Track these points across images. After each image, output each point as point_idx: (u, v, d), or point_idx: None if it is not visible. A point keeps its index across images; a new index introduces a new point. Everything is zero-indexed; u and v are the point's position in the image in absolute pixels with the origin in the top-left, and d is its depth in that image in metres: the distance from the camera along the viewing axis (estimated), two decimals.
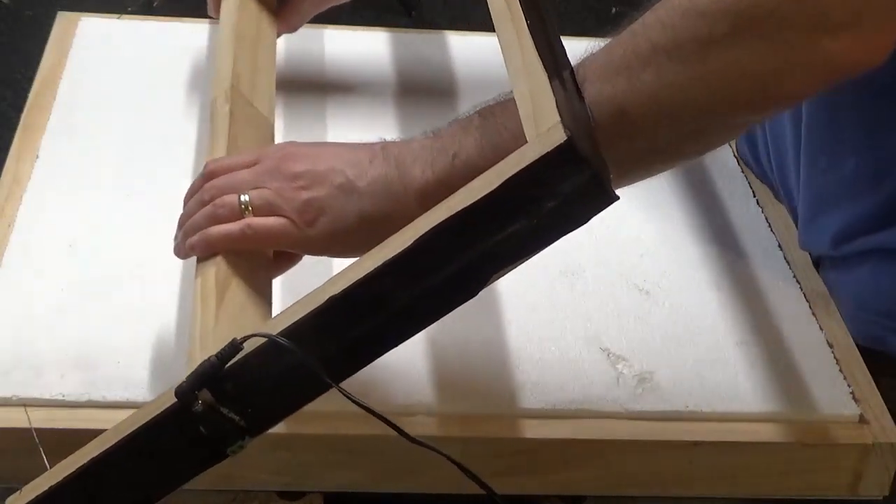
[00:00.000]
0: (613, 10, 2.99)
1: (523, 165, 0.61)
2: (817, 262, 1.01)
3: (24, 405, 0.82)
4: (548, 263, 0.98)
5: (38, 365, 0.84)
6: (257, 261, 0.81)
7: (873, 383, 0.90)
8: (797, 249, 1.02)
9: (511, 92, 0.72)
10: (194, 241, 0.80)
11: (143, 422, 0.67)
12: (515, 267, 0.65)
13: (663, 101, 0.69)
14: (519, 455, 0.85)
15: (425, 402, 0.85)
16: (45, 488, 0.70)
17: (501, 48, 0.73)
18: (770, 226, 1.05)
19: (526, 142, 0.64)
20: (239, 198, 0.79)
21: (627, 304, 0.95)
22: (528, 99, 0.66)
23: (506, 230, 0.63)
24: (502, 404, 0.86)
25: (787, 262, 1.01)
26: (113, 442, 0.68)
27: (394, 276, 0.64)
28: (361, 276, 0.64)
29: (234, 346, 0.65)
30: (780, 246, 1.03)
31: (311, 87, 1.17)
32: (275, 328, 0.65)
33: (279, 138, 0.96)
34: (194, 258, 0.81)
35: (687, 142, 0.73)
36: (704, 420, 0.87)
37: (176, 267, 0.93)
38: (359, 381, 0.69)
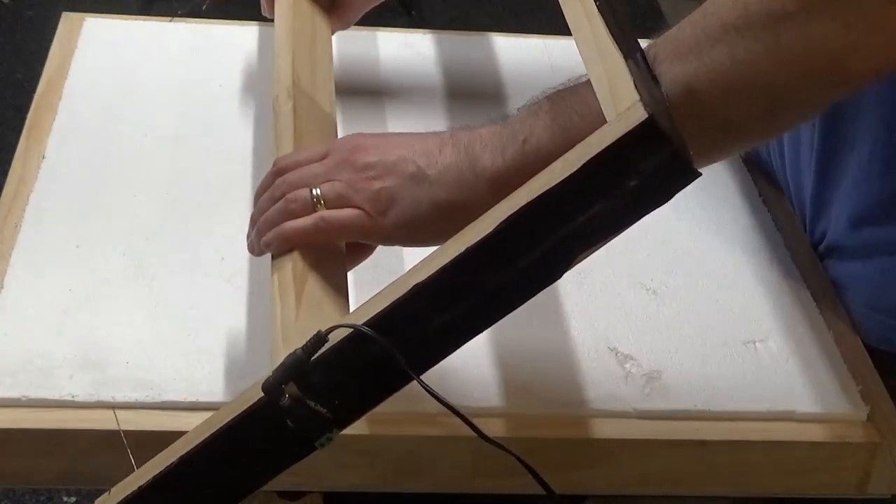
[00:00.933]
0: None
1: (605, 145, 0.61)
2: (825, 255, 1.01)
3: (34, 406, 0.82)
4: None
5: (47, 366, 0.84)
6: (332, 254, 0.81)
7: (881, 382, 0.91)
8: (804, 249, 1.02)
9: (579, 77, 0.73)
10: (269, 238, 0.80)
11: (231, 418, 0.67)
12: (600, 247, 0.65)
13: (734, 78, 0.68)
14: (526, 455, 0.85)
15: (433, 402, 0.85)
16: (134, 488, 0.70)
17: (571, 29, 0.73)
18: (777, 225, 1.05)
19: (599, 123, 0.64)
20: (311, 191, 0.79)
21: (635, 303, 0.95)
22: (605, 79, 0.67)
23: (589, 211, 0.62)
24: (510, 404, 0.86)
25: (794, 261, 1.01)
26: (201, 439, 0.68)
27: (478, 261, 0.64)
28: (445, 262, 0.64)
29: (320, 339, 0.65)
30: (786, 245, 1.03)
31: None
32: (359, 319, 0.65)
33: None
34: (244, 256, 0.81)
35: (758, 121, 0.72)
36: (712, 419, 0.87)
37: (184, 266, 0.93)
38: None
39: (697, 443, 0.85)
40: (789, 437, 0.87)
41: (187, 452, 0.68)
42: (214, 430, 0.68)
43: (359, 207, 0.78)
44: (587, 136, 0.64)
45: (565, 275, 0.96)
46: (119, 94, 1.12)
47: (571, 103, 0.75)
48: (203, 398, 0.83)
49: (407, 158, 0.78)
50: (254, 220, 0.83)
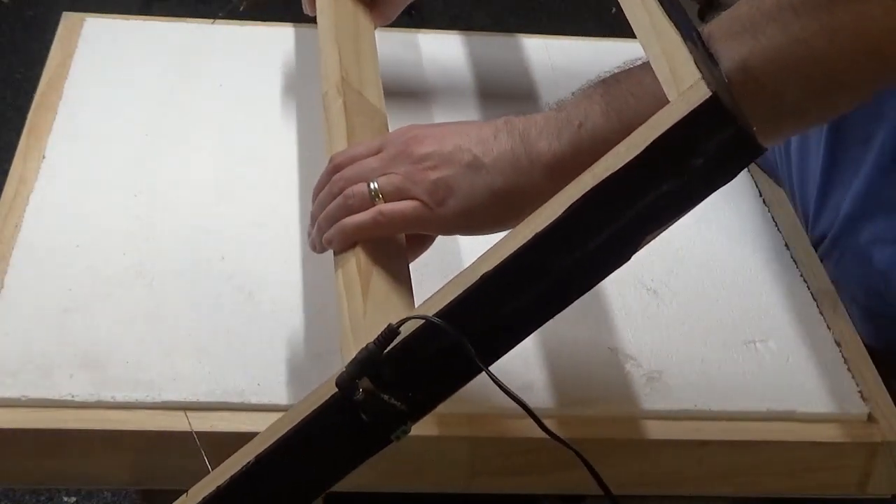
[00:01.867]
0: (613, 9, 2.98)
1: (669, 125, 0.61)
2: (825, 255, 1.01)
3: (34, 405, 0.82)
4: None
5: (47, 365, 0.84)
6: (393, 247, 0.82)
7: (881, 382, 0.90)
8: (804, 248, 1.02)
9: (633, 61, 0.74)
10: (330, 235, 0.81)
11: (306, 414, 0.68)
12: (667, 227, 0.65)
13: (789, 57, 0.68)
14: (527, 454, 0.85)
15: None
16: (212, 489, 0.70)
17: (625, 11, 0.74)
18: (777, 225, 1.05)
19: (654, 104, 0.65)
20: (368, 185, 0.79)
21: (635, 303, 0.95)
22: (664, 59, 0.66)
23: (655, 192, 0.62)
24: (510, 404, 0.86)
25: (794, 260, 1.01)
26: (276, 437, 0.68)
27: (547, 247, 0.64)
28: (513, 250, 0.64)
29: (391, 332, 0.65)
30: (786, 245, 1.03)
31: (311, 88, 1.17)
32: (429, 310, 0.65)
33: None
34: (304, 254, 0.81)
35: (813, 102, 0.72)
36: (713, 419, 0.87)
37: (183, 266, 0.93)
38: None
39: (698, 443, 0.85)
40: (789, 437, 0.86)
41: (264, 451, 0.69)
42: (290, 427, 0.68)
43: (417, 199, 0.78)
44: (643, 117, 0.64)
45: None
46: (119, 94, 1.12)
47: (627, 86, 0.75)
48: (203, 398, 0.83)
49: (462, 147, 0.78)
50: (313, 218, 0.84)
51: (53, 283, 0.91)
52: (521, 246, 0.64)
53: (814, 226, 1.01)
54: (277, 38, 1.23)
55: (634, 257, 0.98)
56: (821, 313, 0.96)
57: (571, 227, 0.63)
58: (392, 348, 0.65)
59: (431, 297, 0.67)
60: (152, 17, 1.26)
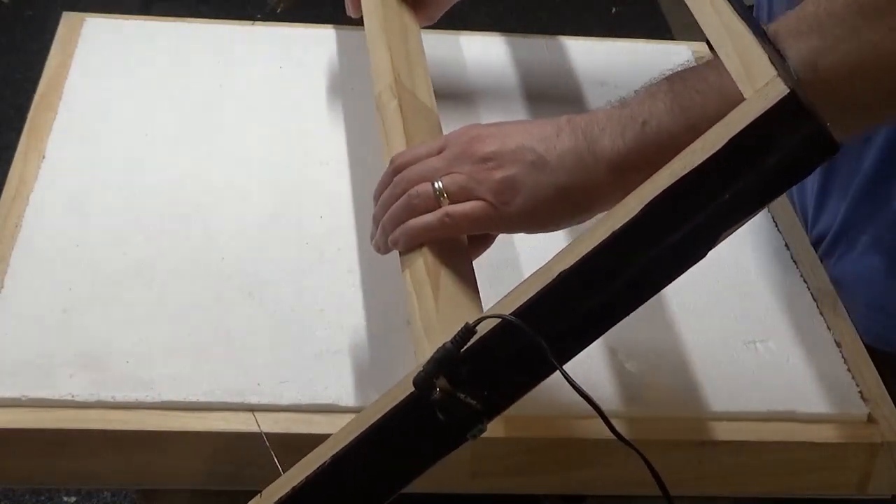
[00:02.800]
0: (613, 9, 2.99)
1: (747, 122, 0.61)
2: (825, 255, 1.01)
3: (34, 405, 0.82)
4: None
5: (47, 365, 0.84)
6: (457, 246, 0.82)
7: (881, 382, 0.91)
8: (804, 249, 1.02)
9: (696, 60, 0.72)
10: (395, 236, 0.81)
11: (382, 414, 0.68)
12: (744, 223, 0.65)
13: (858, 58, 0.68)
14: (527, 454, 0.85)
15: None
16: (287, 490, 0.70)
17: (692, 10, 0.74)
18: (777, 225, 1.05)
19: (720, 101, 0.66)
20: (433, 185, 0.79)
21: None
22: (736, 57, 0.66)
23: (732, 189, 0.62)
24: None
25: (794, 261, 1.01)
26: (352, 437, 0.69)
27: (623, 245, 0.63)
28: (590, 249, 0.64)
29: (468, 331, 0.65)
30: (786, 245, 1.03)
31: (311, 88, 1.17)
32: (506, 309, 0.65)
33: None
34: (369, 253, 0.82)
35: (883, 103, 0.72)
36: (712, 419, 0.87)
37: (183, 266, 0.93)
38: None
39: (697, 443, 0.85)
40: (789, 437, 0.87)
41: (339, 451, 0.69)
42: (366, 427, 0.68)
43: (482, 199, 0.78)
44: (708, 114, 0.65)
45: None
46: (119, 94, 1.12)
47: (692, 83, 0.75)
48: (203, 398, 0.83)
49: (525, 146, 0.78)
50: (377, 220, 0.84)
51: (53, 283, 0.91)
52: (598, 244, 0.64)
53: (813, 225, 1.01)
54: (278, 39, 1.23)
55: None
56: (821, 313, 0.96)
57: (648, 225, 0.63)
58: (469, 347, 0.65)
59: (507, 295, 0.67)
60: (152, 17, 1.26)
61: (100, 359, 0.85)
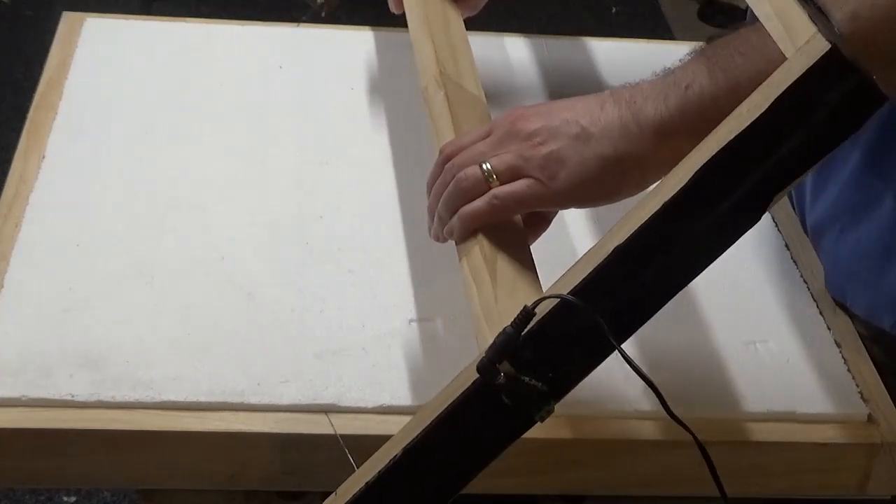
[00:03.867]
0: (613, 9, 2.99)
1: (790, 81, 0.61)
2: (817, 237, 1.01)
3: (34, 405, 0.82)
4: (554, 262, 0.98)
5: (47, 365, 0.84)
6: (513, 230, 0.82)
7: (881, 383, 0.91)
8: (804, 248, 1.02)
9: (730, 30, 0.75)
10: (450, 227, 0.82)
11: (449, 403, 0.68)
12: (797, 183, 0.65)
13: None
14: (527, 454, 0.85)
15: None
16: (361, 486, 0.71)
17: None
18: (777, 225, 1.05)
19: (762, 61, 0.66)
20: (481, 167, 0.80)
21: None
22: (775, 17, 0.66)
23: (781, 149, 0.62)
24: None
25: (795, 261, 1.01)
26: (421, 428, 0.69)
27: (675, 216, 0.63)
28: (643, 221, 0.64)
29: (528, 313, 0.65)
30: (786, 245, 1.03)
31: (310, 88, 1.17)
32: (563, 288, 0.65)
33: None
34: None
35: None
36: (713, 420, 0.86)
37: (183, 266, 0.93)
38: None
39: None
40: (789, 437, 0.87)
41: (410, 443, 0.69)
42: (434, 417, 0.69)
43: (529, 176, 0.79)
44: (750, 75, 0.65)
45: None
46: (119, 94, 1.12)
47: (734, 45, 0.75)
48: (203, 398, 0.83)
49: (570, 120, 0.78)
50: (431, 210, 0.84)
51: (53, 283, 0.91)
52: (651, 216, 0.63)
53: (808, 219, 1.01)
54: (278, 39, 1.23)
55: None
56: (821, 313, 0.96)
57: (699, 192, 0.63)
58: (529, 330, 0.65)
59: (564, 275, 0.68)
60: (152, 17, 1.26)
61: (99, 359, 0.85)
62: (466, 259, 0.80)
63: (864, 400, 0.89)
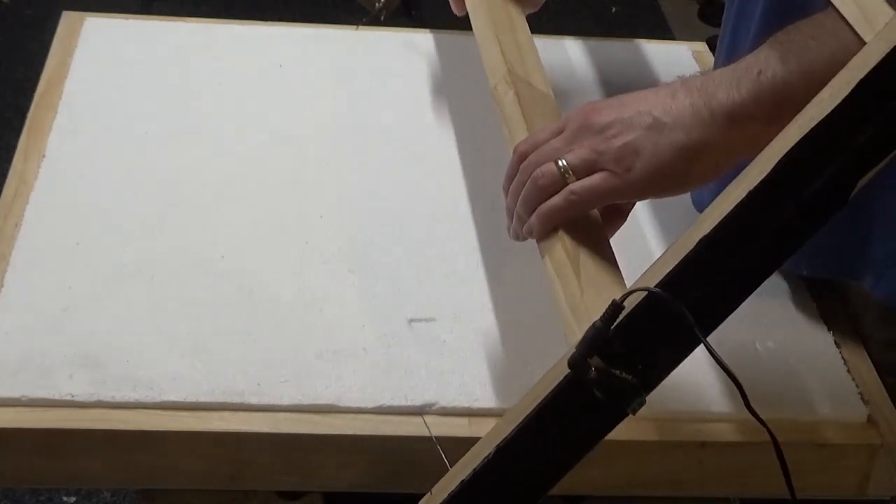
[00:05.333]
0: (613, 9, 2.99)
1: (871, 66, 0.61)
2: None
3: (34, 405, 0.82)
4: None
5: (47, 365, 0.84)
6: (592, 225, 0.82)
7: (881, 384, 0.91)
8: (804, 249, 1.02)
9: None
10: (530, 225, 0.82)
11: (541, 400, 0.68)
12: (879, 168, 0.64)
13: None
14: None
15: (433, 402, 0.85)
16: (456, 485, 0.71)
17: None
18: None
19: (836, 46, 0.66)
20: (556, 163, 0.80)
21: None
22: (851, 2, 0.66)
23: (863, 134, 0.62)
24: (511, 404, 0.86)
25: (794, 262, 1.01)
26: (514, 426, 0.69)
27: (760, 204, 0.63)
28: (728, 211, 0.64)
29: (616, 307, 0.65)
30: None
31: (310, 87, 1.17)
32: (650, 281, 0.65)
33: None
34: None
35: None
36: (713, 420, 0.87)
37: (183, 265, 0.93)
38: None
39: (698, 444, 0.85)
40: (789, 438, 0.86)
41: (503, 440, 0.69)
42: (526, 414, 0.69)
43: (604, 169, 0.79)
44: (824, 58, 0.65)
45: None
46: (119, 94, 1.12)
47: (808, 31, 0.75)
48: (203, 398, 0.83)
49: (642, 111, 0.79)
50: (510, 210, 0.84)
51: (53, 282, 0.91)
52: (736, 205, 0.63)
53: None
54: (277, 38, 1.23)
55: (633, 258, 0.98)
56: (820, 314, 0.96)
57: (783, 180, 0.63)
58: (618, 324, 0.66)
59: (652, 267, 0.68)
60: (152, 17, 1.26)
61: (99, 358, 0.85)
62: (549, 256, 0.81)
63: (864, 401, 0.89)
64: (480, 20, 1.04)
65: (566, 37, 1.30)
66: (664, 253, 0.67)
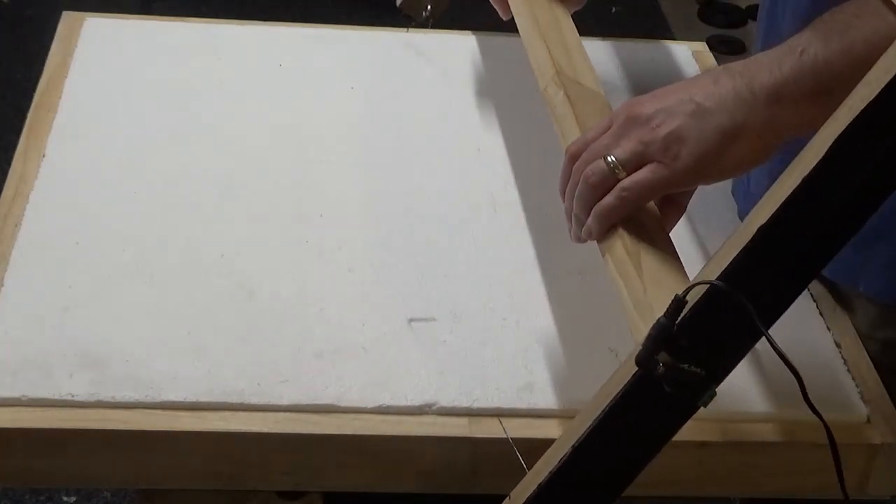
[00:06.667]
0: (613, 9, 2.99)
1: None
2: None
3: (34, 405, 0.82)
4: (555, 263, 0.98)
5: (47, 365, 0.84)
6: (650, 220, 0.83)
7: (881, 384, 0.90)
8: None
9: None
10: (588, 227, 0.82)
11: (611, 399, 0.69)
12: None
13: None
14: (528, 455, 0.85)
15: (433, 402, 0.85)
16: (534, 488, 0.72)
17: None
18: None
19: (880, 23, 0.66)
20: (605, 159, 0.80)
21: None
22: None
23: None
24: (511, 404, 0.86)
25: None
26: (587, 426, 0.70)
27: (816, 188, 0.63)
28: (785, 197, 0.63)
29: (679, 302, 0.66)
30: None
31: (310, 87, 1.17)
32: (712, 274, 0.65)
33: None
34: None
35: None
36: (713, 420, 0.86)
37: (183, 264, 0.93)
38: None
39: (697, 444, 0.85)
40: (789, 438, 0.86)
41: (578, 441, 0.70)
42: (598, 414, 0.69)
43: (652, 160, 0.79)
44: (866, 35, 0.65)
45: (565, 275, 0.97)
46: (119, 94, 1.12)
47: (850, 10, 0.75)
48: (203, 398, 0.83)
49: (685, 99, 0.79)
50: (568, 213, 0.85)
51: (53, 282, 0.91)
52: (792, 192, 0.63)
53: None
54: (277, 38, 1.23)
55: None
56: (820, 314, 0.96)
57: (837, 163, 0.63)
58: (682, 318, 0.66)
59: (712, 259, 0.68)
60: (152, 17, 1.26)
61: (99, 358, 0.85)
62: (610, 255, 0.81)
63: (864, 401, 0.89)
64: (525, 22, 1.04)
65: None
66: (724, 244, 0.67)
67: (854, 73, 0.63)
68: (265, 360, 0.86)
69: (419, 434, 0.83)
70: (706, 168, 0.79)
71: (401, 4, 1.20)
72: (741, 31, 3.01)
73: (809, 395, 0.88)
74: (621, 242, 0.80)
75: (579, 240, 0.85)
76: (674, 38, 2.75)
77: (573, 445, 0.70)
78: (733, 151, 0.77)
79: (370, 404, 0.84)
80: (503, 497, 0.90)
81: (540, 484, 0.72)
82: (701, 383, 0.67)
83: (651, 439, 0.70)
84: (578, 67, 0.97)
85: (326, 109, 1.13)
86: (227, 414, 0.83)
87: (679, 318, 0.66)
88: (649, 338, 0.66)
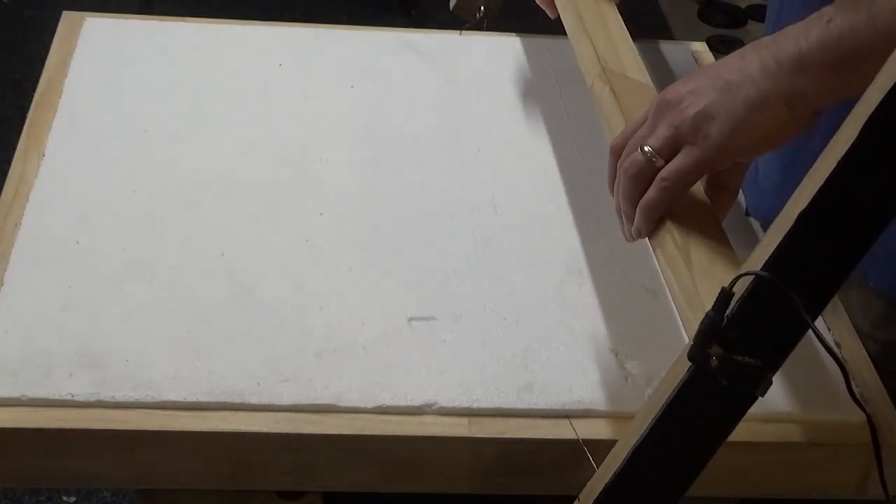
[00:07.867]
0: None
1: None
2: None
3: (34, 405, 0.82)
4: (555, 263, 0.98)
5: (47, 364, 0.84)
6: (700, 209, 0.83)
7: (881, 383, 0.90)
8: None
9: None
10: (637, 224, 0.82)
11: (667, 396, 0.69)
12: None
13: None
14: (527, 454, 0.85)
15: (433, 402, 0.85)
16: (601, 489, 0.72)
17: None
18: None
19: None
20: (641, 150, 0.80)
21: (635, 304, 0.95)
22: None
23: None
24: (511, 404, 0.86)
25: None
26: (647, 425, 0.70)
27: (853, 169, 0.63)
28: (823, 181, 0.63)
29: (726, 294, 0.66)
30: None
31: (310, 87, 1.17)
32: (756, 264, 0.66)
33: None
34: None
35: None
36: None
37: (183, 264, 0.93)
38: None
39: None
40: (789, 438, 0.86)
41: (638, 441, 0.70)
42: (656, 412, 0.69)
43: (686, 143, 0.79)
44: (892, 6, 0.65)
45: (565, 275, 0.97)
46: (119, 93, 1.12)
47: None
48: (203, 398, 0.83)
49: (712, 76, 0.79)
50: (618, 211, 0.85)
51: (53, 281, 0.91)
52: (829, 175, 0.63)
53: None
54: (277, 37, 1.23)
55: (633, 258, 0.99)
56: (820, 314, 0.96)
57: (872, 144, 0.62)
58: (731, 310, 0.66)
59: (757, 249, 0.68)
60: (152, 17, 1.26)
61: (99, 358, 0.85)
62: (660, 249, 0.81)
63: (864, 401, 0.89)
64: (571, 19, 1.05)
65: (566, 37, 1.30)
66: (768, 232, 0.67)
67: (881, 43, 0.63)
68: (265, 360, 0.86)
69: (419, 434, 0.83)
70: (737, 142, 0.78)
71: (454, 7, 1.20)
72: (741, 31, 3.01)
73: (809, 395, 0.89)
74: (670, 236, 0.80)
75: (630, 238, 0.85)
76: (674, 38, 2.76)
77: (634, 446, 0.70)
78: (761, 122, 0.77)
79: (370, 404, 0.84)
80: (503, 497, 0.90)
81: (606, 484, 0.72)
82: (756, 373, 0.67)
83: (710, 434, 0.70)
84: (625, 61, 0.97)
85: (326, 109, 1.13)
86: (227, 414, 0.83)
87: (728, 311, 0.66)
88: (699, 332, 0.67)
